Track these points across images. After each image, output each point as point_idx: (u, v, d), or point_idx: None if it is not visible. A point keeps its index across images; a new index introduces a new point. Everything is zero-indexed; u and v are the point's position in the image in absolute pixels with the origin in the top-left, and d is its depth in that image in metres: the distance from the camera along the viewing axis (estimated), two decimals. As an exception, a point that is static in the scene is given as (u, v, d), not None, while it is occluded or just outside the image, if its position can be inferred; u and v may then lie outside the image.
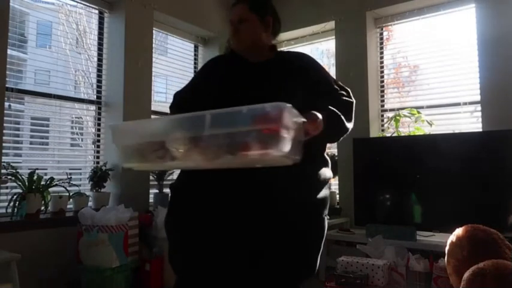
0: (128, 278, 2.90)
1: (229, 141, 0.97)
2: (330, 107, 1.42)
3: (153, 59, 3.76)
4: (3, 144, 2.81)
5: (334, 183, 3.95)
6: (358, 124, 3.70)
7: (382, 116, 3.92)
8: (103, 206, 3.13)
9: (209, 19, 4.34)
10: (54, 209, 3.02)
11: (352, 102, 1.54)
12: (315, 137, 1.26)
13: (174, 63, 4.24)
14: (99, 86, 3.60)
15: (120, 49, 3.51)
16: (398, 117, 3.52)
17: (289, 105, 0.98)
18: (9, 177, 2.80)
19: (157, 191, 3.60)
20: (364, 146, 3.57)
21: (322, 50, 4.54)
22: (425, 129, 3.46)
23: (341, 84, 1.60)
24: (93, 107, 3.59)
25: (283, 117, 0.95)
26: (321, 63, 1.68)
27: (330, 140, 1.61)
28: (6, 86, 2.87)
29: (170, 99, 1.67)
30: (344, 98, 1.53)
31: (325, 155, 1.60)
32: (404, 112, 3.54)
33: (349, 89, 1.59)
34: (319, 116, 1.28)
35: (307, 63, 1.61)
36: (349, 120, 1.48)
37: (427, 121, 3.43)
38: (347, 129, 1.47)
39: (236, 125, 0.97)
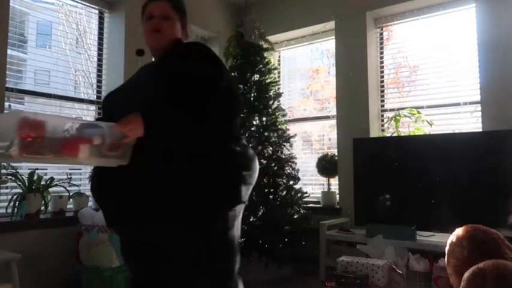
0: (127, 278, 2.89)
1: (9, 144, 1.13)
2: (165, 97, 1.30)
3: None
4: (3, 144, 2.80)
5: (334, 183, 3.95)
6: (358, 124, 3.76)
7: (382, 116, 3.92)
8: (103, 206, 3.13)
9: (209, 19, 4.35)
10: (54, 209, 3.02)
11: (196, 84, 1.33)
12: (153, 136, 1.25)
13: (174, 63, 4.23)
14: (99, 86, 3.60)
15: (120, 49, 3.51)
16: (398, 117, 3.52)
17: (25, 114, 1.14)
18: (9, 177, 2.80)
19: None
20: (364, 146, 3.57)
21: (322, 50, 4.54)
22: (425, 129, 3.46)
23: (212, 71, 1.40)
24: (93, 107, 3.59)
25: (19, 125, 1.09)
26: (204, 49, 1.47)
27: (178, 136, 1.36)
28: (6, 86, 2.87)
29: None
30: (188, 81, 1.33)
31: (220, 153, 1.42)
32: (404, 112, 3.54)
33: (212, 76, 1.38)
34: (134, 117, 1.23)
35: (173, 52, 1.49)
36: (186, 106, 1.30)
37: (427, 121, 3.44)
38: (182, 117, 1.30)
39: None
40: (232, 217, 1.46)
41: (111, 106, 1.52)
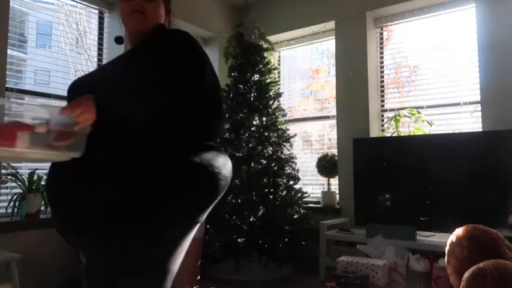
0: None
1: None
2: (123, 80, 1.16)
3: (153, 59, 3.75)
4: (3, 144, 2.80)
5: (334, 183, 3.95)
6: (358, 124, 3.76)
7: (382, 116, 3.92)
8: (103, 206, 3.13)
9: (209, 19, 4.35)
10: (54, 209, 3.01)
11: (172, 72, 1.17)
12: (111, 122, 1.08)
13: (174, 63, 4.23)
14: (99, 86, 3.60)
15: (120, 49, 3.50)
16: (398, 117, 3.52)
17: None
18: (9, 177, 2.80)
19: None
20: (364, 146, 3.57)
21: (322, 50, 4.54)
22: (425, 129, 3.46)
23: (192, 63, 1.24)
24: (93, 107, 3.58)
25: None
26: (189, 42, 1.29)
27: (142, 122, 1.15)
28: (6, 86, 2.87)
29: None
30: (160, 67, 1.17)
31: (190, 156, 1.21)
32: (404, 112, 3.54)
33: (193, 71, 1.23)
34: (85, 100, 1.05)
35: (155, 36, 1.34)
36: (153, 94, 1.14)
37: (427, 121, 3.44)
38: (144, 106, 1.12)
39: None
40: (176, 239, 1.21)
41: (75, 94, 1.30)
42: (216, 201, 1.29)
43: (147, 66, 1.18)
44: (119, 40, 1.47)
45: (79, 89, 1.27)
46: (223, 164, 1.29)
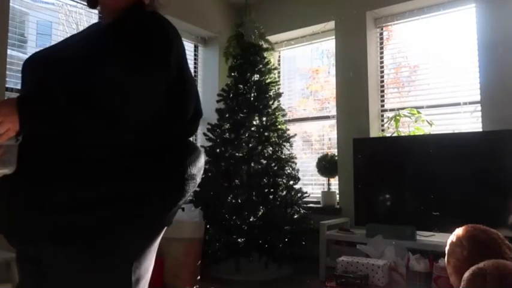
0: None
1: None
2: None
3: (153, 59, 3.75)
4: (3, 144, 2.80)
5: (334, 183, 3.95)
6: (358, 124, 3.76)
7: (382, 116, 3.92)
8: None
9: (209, 19, 4.35)
10: (54, 209, 3.01)
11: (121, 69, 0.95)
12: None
13: (174, 63, 4.23)
14: (99, 86, 3.60)
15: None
16: (398, 117, 3.52)
17: None
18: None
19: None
20: (364, 146, 3.57)
21: (322, 50, 4.54)
22: (425, 129, 3.46)
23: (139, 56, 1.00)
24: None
25: None
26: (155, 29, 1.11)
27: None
28: (6, 86, 2.87)
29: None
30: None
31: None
32: (404, 112, 3.54)
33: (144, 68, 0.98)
34: (4, 105, 0.89)
35: (123, 20, 1.12)
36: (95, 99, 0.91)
37: (427, 121, 3.44)
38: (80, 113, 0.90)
39: None
40: (141, 246, 1.06)
41: (29, 72, 1.11)
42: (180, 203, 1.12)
43: (101, 57, 0.99)
44: (91, 2, 1.23)
45: (37, 69, 1.09)
46: (199, 169, 1.13)
